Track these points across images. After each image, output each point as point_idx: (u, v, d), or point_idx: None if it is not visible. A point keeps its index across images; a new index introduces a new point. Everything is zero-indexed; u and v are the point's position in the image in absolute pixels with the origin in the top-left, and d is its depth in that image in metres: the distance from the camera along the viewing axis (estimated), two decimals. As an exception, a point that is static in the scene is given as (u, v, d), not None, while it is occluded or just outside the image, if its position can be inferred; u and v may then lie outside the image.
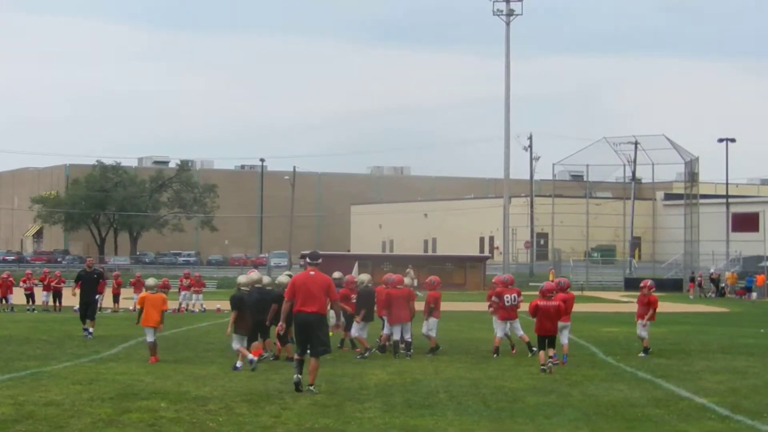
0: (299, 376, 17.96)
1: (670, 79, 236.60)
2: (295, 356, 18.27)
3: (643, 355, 25.37)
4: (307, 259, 18.51)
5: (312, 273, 18.14)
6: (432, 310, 25.57)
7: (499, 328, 25.56)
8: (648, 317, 25.63)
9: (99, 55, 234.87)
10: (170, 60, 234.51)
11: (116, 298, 47.02)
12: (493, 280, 26.81)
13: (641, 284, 26.36)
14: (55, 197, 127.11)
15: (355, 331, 25.42)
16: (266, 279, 24.74)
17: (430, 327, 25.58)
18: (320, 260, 18.44)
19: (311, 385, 18.00)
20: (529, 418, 15.65)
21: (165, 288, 45.76)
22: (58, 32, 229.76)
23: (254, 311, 22.68)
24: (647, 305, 25.71)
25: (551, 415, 15.95)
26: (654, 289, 26.14)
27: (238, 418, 15.38)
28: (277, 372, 21.24)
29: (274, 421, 15.17)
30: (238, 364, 21.72)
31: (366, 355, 24.48)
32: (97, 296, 31.85)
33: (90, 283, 30.60)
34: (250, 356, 21.82)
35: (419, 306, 25.59)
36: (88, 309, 30.08)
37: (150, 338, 23.40)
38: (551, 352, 22.13)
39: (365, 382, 19.78)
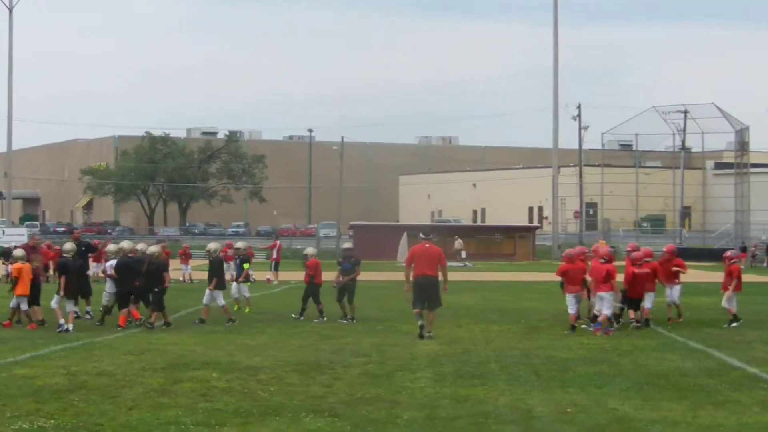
0: (422, 322, 21.91)
1: (719, 46, 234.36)
2: (415, 310, 22.03)
3: (727, 326, 25.01)
4: (421, 234, 22.92)
5: (427, 245, 22.29)
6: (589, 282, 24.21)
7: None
8: (733, 287, 25.48)
9: (146, 28, 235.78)
10: (218, 32, 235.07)
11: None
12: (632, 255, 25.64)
13: (724, 254, 26.72)
14: (104, 169, 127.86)
15: (206, 299, 25.69)
16: (141, 246, 26.16)
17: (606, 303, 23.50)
18: (431, 235, 22.91)
19: (429, 332, 21.91)
20: (580, 388, 15.58)
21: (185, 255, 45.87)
22: (105, 5, 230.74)
23: (123, 280, 24.35)
24: (729, 275, 25.72)
25: (602, 385, 15.88)
26: (735, 260, 26.18)
27: (289, 388, 15.43)
28: (326, 342, 21.32)
29: (325, 391, 15.20)
30: (61, 322, 23.23)
31: (197, 323, 25.04)
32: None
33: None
34: (62, 322, 23.17)
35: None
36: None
37: (24, 306, 24.46)
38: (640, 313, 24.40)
39: (416, 352, 19.79)
